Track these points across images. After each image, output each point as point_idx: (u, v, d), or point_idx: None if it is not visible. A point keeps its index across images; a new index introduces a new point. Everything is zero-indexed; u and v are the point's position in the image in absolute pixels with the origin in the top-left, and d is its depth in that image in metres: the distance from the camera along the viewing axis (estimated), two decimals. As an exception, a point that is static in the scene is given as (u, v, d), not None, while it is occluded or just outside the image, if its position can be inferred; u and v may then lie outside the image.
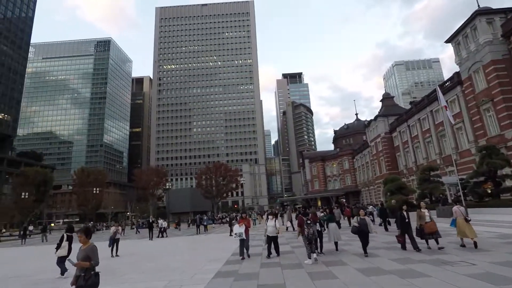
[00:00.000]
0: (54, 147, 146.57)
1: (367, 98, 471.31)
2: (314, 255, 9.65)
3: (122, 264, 11.84)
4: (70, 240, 10.32)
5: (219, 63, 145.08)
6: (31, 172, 66.12)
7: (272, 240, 11.04)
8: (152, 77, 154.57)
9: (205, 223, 28.99)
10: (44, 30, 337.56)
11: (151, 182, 65.32)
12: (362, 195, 68.25)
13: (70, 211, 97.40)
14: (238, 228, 11.20)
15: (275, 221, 11.05)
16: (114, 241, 14.68)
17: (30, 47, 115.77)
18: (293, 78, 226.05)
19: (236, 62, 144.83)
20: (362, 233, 10.22)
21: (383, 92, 66.07)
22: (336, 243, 11.76)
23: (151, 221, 24.66)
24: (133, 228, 41.57)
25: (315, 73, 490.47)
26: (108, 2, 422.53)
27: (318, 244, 10.93)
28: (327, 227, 11.85)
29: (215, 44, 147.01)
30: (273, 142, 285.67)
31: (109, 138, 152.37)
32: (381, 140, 50.88)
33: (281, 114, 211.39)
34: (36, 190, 63.01)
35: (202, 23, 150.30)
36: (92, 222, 50.12)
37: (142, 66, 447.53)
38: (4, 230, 53.82)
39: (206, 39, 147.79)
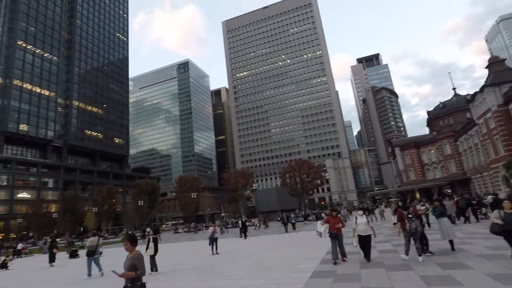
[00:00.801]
0: (157, 161, 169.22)
1: (464, 68, 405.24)
2: (421, 258, 8.76)
3: (222, 262, 12.97)
4: (155, 241, 12.11)
5: (288, 61, 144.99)
6: (143, 183, 78.31)
7: (364, 241, 9.72)
8: (228, 87, 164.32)
9: (292, 221, 29.19)
10: (137, 64, 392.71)
11: (239, 184, 69.19)
12: (473, 184, 58.21)
13: (175, 214, 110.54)
14: (320, 227, 10.80)
15: (366, 217, 10.07)
16: (213, 240, 16.19)
17: (129, 81, 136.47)
18: (370, 62, 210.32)
19: (305, 56, 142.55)
20: (509, 233, 7.80)
21: (488, 56, 55.05)
22: (451, 242, 10.05)
23: (243, 220, 26.17)
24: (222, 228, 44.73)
25: (394, 51, 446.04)
26: (182, 29, 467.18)
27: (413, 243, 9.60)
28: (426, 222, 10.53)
29: (282, 43, 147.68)
30: (355, 133, 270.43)
31: (199, 148, 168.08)
32: (492, 115, 41.92)
33: (361, 102, 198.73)
34: (149, 198, 74.20)
35: (266, 25, 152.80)
36: (193, 223, 55.98)
37: (218, 78, 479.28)
38: (130, 232, 64.48)
39: (273, 40, 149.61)
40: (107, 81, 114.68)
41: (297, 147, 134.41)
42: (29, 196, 79.18)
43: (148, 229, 47.61)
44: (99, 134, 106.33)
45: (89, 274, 12.32)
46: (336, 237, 9.91)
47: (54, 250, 18.66)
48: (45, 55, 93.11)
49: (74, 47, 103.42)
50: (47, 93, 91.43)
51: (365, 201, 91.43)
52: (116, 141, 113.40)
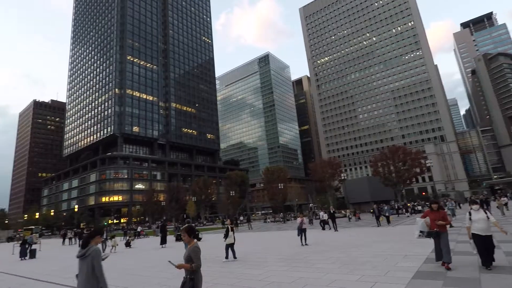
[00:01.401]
0: (245, 153, 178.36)
1: None
2: None
3: (312, 253, 12.46)
4: (232, 230, 12.46)
5: (374, 38, 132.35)
6: (233, 175, 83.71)
7: (484, 243, 7.46)
8: (309, 75, 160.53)
9: (386, 214, 26.48)
10: (223, 63, 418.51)
11: (326, 174, 67.12)
12: None
13: (264, 204, 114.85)
14: (421, 223, 8.23)
15: (485, 212, 7.71)
16: (301, 231, 15.79)
17: (216, 80, 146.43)
18: (479, 24, 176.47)
19: (394, 30, 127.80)
20: None
21: None
22: None
23: (332, 211, 25.08)
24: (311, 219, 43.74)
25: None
26: (260, 23, 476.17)
27: None
28: None
29: (365, 20, 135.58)
30: (462, 112, 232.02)
31: (283, 139, 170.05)
32: None
33: (469, 75, 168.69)
34: (239, 188, 78.96)
35: (346, 3, 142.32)
36: (281, 214, 56.92)
37: (299, 67, 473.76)
38: (224, 220, 69.85)
39: (355, 19, 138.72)
40: (197, 82, 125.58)
41: (389, 133, 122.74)
42: (143, 187, 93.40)
43: (241, 218, 50.79)
44: (194, 131, 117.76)
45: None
46: (437, 236, 8.01)
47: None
48: (147, 65, 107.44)
49: (168, 55, 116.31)
50: (151, 98, 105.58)
51: (481, 191, 77.66)
52: (208, 137, 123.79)
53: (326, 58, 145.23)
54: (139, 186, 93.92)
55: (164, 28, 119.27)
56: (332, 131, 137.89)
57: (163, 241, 20.70)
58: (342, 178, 60.34)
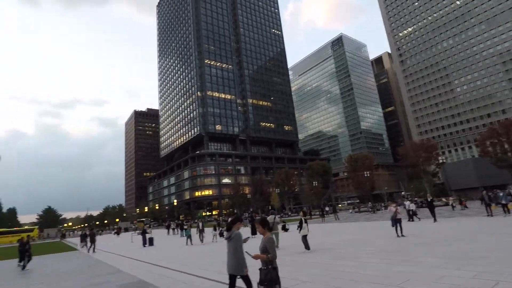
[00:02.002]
0: (324, 142, 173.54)
1: None
2: None
3: (410, 245, 11.27)
4: (306, 222, 12.45)
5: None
6: (315, 165, 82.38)
7: None
8: (390, 51, 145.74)
9: (502, 201, 21.74)
10: (294, 53, 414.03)
11: (420, 158, 60.32)
12: None
13: (350, 194, 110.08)
14: None
15: None
16: (396, 221, 14.45)
17: (289, 71, 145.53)
18: None
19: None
20: None
21: None
22: None
23: (429, 200, 22.29)
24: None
25: None
26: (330, 4, 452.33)
27: None
28: None
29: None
30: None
31: (366, 124, 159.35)
32: None
33: None
34: (321, 179, 77.33)
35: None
36: (370, 203, 53.59)
37: (377, 44, 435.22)
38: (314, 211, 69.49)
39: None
40: (271, 75, 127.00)
41: (499, 105, 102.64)
42: (230, 181, 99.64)
43: (327, 208, 49.74)
44: (271, 124, 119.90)
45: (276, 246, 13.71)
46: None
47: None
48: (223, 66, 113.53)
49: (241, 53, 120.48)
50: (229, 97, 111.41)
51: None
52: (286, 129, 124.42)
53: (410, 29, 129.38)
54: (226, 180, 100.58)
55: (235, 27, 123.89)
56: (423, 110, 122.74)
57: (253, 232, 21.57)
58: (440, 161, 53.28)
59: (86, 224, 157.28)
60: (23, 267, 14.97)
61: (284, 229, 22.87)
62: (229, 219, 5.57)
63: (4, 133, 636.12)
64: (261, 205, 78.73)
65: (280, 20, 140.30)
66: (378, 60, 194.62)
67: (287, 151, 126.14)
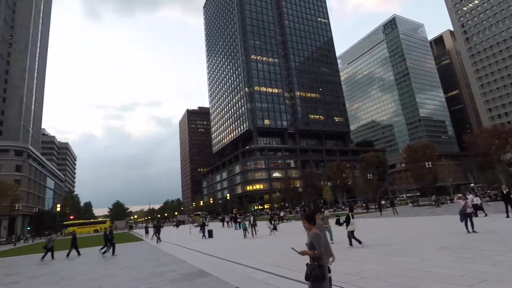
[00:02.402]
0: (379, 132, 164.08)
1: None
2: None
3: (485, 242, 10.10)
4: (353, 217, 12.16)
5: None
6: (369, 157, 78.64)
7: None
8: (452, 29, 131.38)
9: None
10: (342, 41, 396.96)
11: (492, 146, 53.78)
12: None
13: (409, 187, 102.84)
14: None
15: None
16: (466, 216, 13.10)
17: (337, 59, 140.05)
18: None
19: None
20: None
21: None
22: None
23: (504, 192, 19.69)
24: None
25: None
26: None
27: None
28: None
29: None
30: None
31: (425, 111, 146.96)
32: None
33: None
34: (376, 171, 73.47)
35: None
36: (434, 196, 49.37)
37: (436, 23, 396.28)
38: (366, 204, 66.51)
39: None
40: (318, 66, 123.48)
41: None
42: (280, 175, 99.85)
43: (383, 202, 47.13)
44: (320, 116, 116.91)
45: (331, 239, 13.74)
46: None
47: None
48: (269, 60, 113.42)
49: (287, 45, 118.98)
50: (276, 90, 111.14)
51: None
52: (336, 120, 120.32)
53: (476, 1, 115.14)
54: (276, 174, 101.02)
55: (280, 20, 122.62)
56: (494, 92, 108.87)
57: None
58: (518, 149, 46.82)
59: (149, 217, 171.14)
60: (109, 252, 17.06)
61: (338, 223, 22.25)
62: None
63: (79, 136, 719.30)
64: (313, 198, 77.59)
65: (326, 8, 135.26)
66: (438, 40, 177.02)
67: (338, 143, 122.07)
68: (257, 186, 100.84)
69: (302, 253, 4.07)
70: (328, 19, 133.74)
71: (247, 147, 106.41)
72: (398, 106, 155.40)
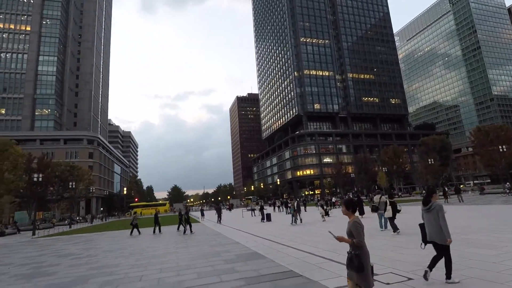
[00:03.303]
0: (441, 114, 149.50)
1: None
2: None
3: None
4: (392, 205, 12.19)
5: None
6: (429, 140, 72.49)
7: None
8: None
9: None
10: (400, 16, 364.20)
11: None
12: None
13: (477, 173, 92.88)
14: None
15: None
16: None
17: (394, 37, 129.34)
18: None
19: None
20: None
21: None
22: None
23: None
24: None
25: None
26: None
27: None
28: None
29: None
30: None
31: (498, 89, 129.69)
32: None
33: None
34: (439, 156, 67.43)
35: None
36: (508, 184, 43.77)
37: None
38: (346, 196, 62.13)
39: None
40: (373, 45, 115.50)
41: None
42: (331, 160, 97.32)
43: (446, 189, 43.26)
44: (375, 99, 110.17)
45: (381, 227, 13.25)
46: None
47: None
48: (319, 41, 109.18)
49: (339, 25, 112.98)
50: (326, 73, 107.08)
51: None
52: (393, 102, 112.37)
53: None
54: (327, 160, 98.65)
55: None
56: None
57: (361, 212, 20.72)
58: None
59: (203, 201, 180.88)
60: (188, 231, 18.92)
61: (396, 210, 21.03)
62: (426, 192, 5.66)
63: (140, 124, 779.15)
64: (366, 184, 74.42)
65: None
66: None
67: (395, 126, 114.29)
68: (307, 172, 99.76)
69: (339, 238, 3.88)
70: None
71: (297, 132, 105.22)
72: (465, 85, 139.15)
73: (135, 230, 20.96)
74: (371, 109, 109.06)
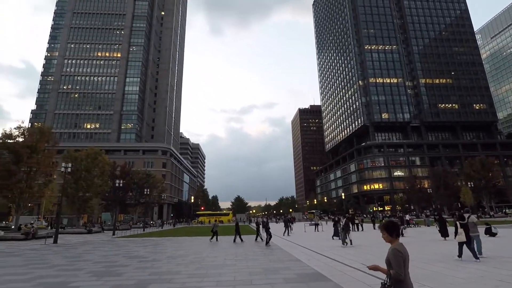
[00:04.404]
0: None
1: None
2: None
3: None
4: (464, 227, 10.15)
5: None
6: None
7: None
8: None
9: None
10: (479, 11, 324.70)
11: None
12: None
13: None
14: None
15: None
16: None
17: (476, 35, 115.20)
18: None
19: None
20: None
21: None
22: None
23: None
24: None
25: None
26: None
27: None
28: None
29: None
30: None
31: None
32: None
33: None
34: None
35: None
36: None
37: None
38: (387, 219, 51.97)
39: None
40: (449, 46, 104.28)
41: None
42: (402, 173, 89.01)
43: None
44: (454, 105, 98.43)
45: (473, 252, 10.21)
46: None
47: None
48: (386, 48, 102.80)
49: (408, 28, 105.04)
50: (395, 80, 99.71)
51: None
52: (476, 107, 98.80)
53: None
54: (398, 173, 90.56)
55: (397, 1, 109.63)
56: None
57: (444, 233, 17.98)
58: None
59: (265, 212, 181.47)
60: (266, 242, 18.68)
61: (490, 233, 17.75)
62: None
63: (207, 137, 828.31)
64: (447, 201, 65.77)
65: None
66: None
67: (481, 135, 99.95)
68: (375, 186, 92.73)
69: (372, 267, 3.22)
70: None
71: (363, 144, 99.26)
72: None
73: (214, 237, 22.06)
74: (449, 117, 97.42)
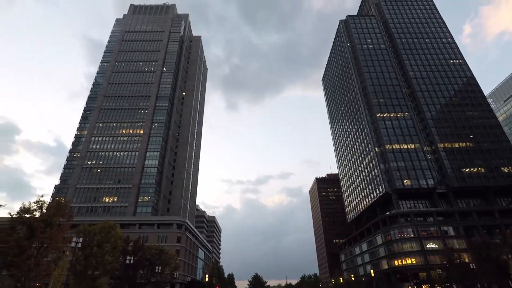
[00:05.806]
0: None
1: None
2: None
3: None
4: None
5: None
6: None
7: None
8: None
9: None
10: (486, 75, 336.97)
11: None
12: None
13: None
14: None
15: None
16: None
17: (488, 99, 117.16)
18: None
19: None
20: None
21: None
22: None
23: None
24: None
25: None
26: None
27: None
28: None
29: None
30: None
31: None
32: None
33: None
34: None
35: None
36: None
37: None
38: None
39: None
40: (462, 110, 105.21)
41: None
42: (436, 246, 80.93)
43: None
44: (480, 169, 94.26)
45: None
46: None
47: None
48: (398, 115, 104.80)
49: (416, 96, 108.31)
50: (412, 146, 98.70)
51: None
52: (505, 170, 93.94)
53: None
54: (431, 245, 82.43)
55: (403, 73, 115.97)
56: None
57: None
58: None
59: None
60: None
61: None
62: None
63: (223, 209, 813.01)
64: (495, 279, 57.52)
65: (457, 48, 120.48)
66: None
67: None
68: (408, 261, 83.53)
69: None
70: (463, 58, 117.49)
71: (387, 213, 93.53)
72: None
73: None
74: (477, 181, 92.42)
